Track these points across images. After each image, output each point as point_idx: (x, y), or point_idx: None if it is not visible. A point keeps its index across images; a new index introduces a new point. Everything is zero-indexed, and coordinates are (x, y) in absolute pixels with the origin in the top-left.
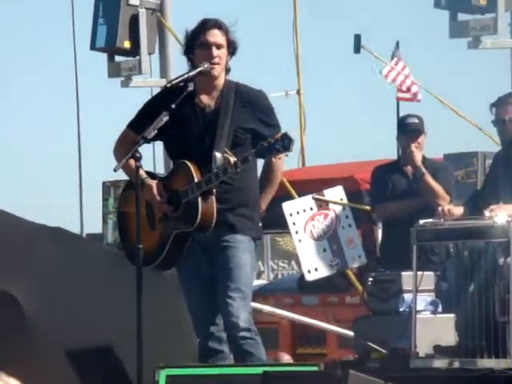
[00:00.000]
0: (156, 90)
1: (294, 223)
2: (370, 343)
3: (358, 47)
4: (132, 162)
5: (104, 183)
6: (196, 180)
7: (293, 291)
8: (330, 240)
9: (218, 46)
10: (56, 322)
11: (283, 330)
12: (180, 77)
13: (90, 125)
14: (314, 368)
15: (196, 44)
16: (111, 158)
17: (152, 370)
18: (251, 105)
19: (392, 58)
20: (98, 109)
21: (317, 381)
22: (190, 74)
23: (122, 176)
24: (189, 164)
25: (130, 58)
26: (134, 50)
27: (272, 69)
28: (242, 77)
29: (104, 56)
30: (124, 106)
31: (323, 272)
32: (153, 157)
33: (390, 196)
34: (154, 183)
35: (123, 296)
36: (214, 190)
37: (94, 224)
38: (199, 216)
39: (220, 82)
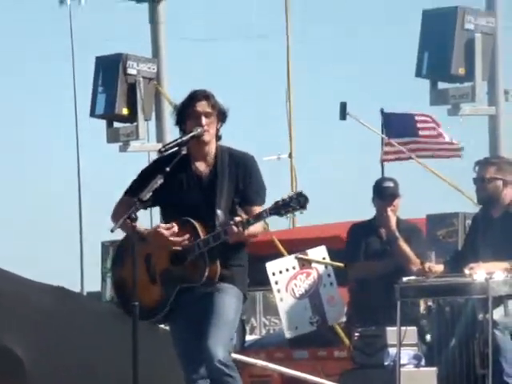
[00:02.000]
0: (153, 154)
1: (276, 282)
2: None
3: (343, 114)
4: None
5: (103, 243)
6: (202, 237)
7: (284, 345)
8: (311, 298)
9: (207, 115)
10: (56, 376)
11: (275, 383)
12: (174, 141)
13: (90, 188)
14: None
15: (186, 114)
16: (109, 220)
17: None
18: (244, 166)
19: (382, 129)
20: (97, 173)
21: None
22: (184, 138)
23: (119, 236)
24: (194, 222)
25: (128, 124)
26: (132, 117)
27: (264, 133)
28: (236, 140)
29: (103, 122)
30: (122, 170)
31: (303, 330)
32: (150, 221)
33: (363, 255)
34: (157, 226)
35: (120, 350)
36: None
37: (93, 282)
38: (206, 272)
39: (212, 148)
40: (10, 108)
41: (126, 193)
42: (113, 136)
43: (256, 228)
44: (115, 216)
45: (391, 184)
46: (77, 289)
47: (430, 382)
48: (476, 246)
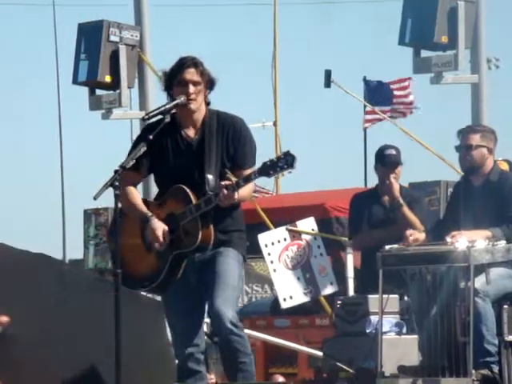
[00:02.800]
0: (136, 122)
1: (269, 253)
2: (338, 363)
3: (328, 82)
4: (132, 193)
5: (85, 211)
6: (194, 202)
7: (266, 314)
8: (303, 269)
9: (195, 83)
10: (37, 342)
11: (257, 350)
12: (157, 109)
13: (73, 155)
14: None
15: (174, 81)
16: (92, 187)
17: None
18: (233, 130)
19: (364, 97)
20: (79, 140)
21: None
22: (167, 106)
23: (101, 204)
24: (185, 188)
25: (111, 92)
26: (115, 84)
27: (250, 101)
28: (220, 107)
29: (85, 90)
30: (104, 137)
31: (298, 300)
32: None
33: (367, 224)
34: (159, 227)
35: (103, 319)
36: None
37: (75, 250)
38: (199, 236)
39: (200, 114)
40: None
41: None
42: (95, 103)
43: (246, 191)
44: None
45: (393, 151)
46: (59, 256)
47: (412, 349)
48: (457, 214)
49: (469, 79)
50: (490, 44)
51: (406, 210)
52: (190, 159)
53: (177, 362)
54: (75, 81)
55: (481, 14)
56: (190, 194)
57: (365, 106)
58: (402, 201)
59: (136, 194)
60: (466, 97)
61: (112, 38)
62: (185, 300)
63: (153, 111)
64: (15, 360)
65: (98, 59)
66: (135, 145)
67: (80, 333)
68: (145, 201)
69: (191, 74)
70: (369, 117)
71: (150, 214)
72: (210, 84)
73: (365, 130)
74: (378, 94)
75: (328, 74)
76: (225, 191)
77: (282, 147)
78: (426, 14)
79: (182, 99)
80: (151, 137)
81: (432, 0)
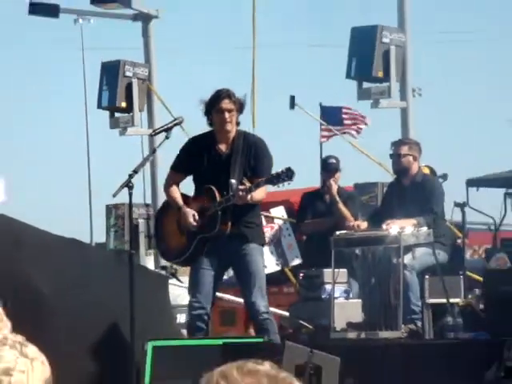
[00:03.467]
0: (145, 137)
1: None
2: (301, 321)
3: (292, 105)
4: (174, 189)
5: (107, 206)
6: (218, 199)
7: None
8: (275, 245)
9: (229, 111)
10: (74, 310)
11: (239, 312)
12: (161, 127)
13: (98, 163)
14: (260, 340)
15: (213, 109)
16: (112, 187)
17: (142, 342)
18: (255, 147)
19: (320, 117)
20: (103, 151)
21: (263, 349)
22: (169, 125)
23: (120, 200)
24: (213, 188)
25: (126, 114)
26: (129, 108)
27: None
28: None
29: (107, 113)
30: (121, 149)
31: (272, 268)
32: (143, 186)
33: (311, 215)
34: (189, 213)
35: (121, 288)
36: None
37: (100, 235)
38: (218, 226)
39: (232, 133)
40: (39, 107)
41: (171, 168)
42: (114, 123)
43: (258, 194)
44: (166, 190)
45: (334, 160)
46: (87, 240)
47: (357, 310)
48: (391, 207)
49: (399, 104)
50: (414, 77)
51: (340, 205)
52: (220, 168)
53: (188, 318)
54: (99, 106)
55: (407, 55)
56: (216, 193)
57: (321, 125)
58: (338, 198)
59: (175, 190)
60: (398, 120)
61: (127, 73)
62: (204, 275)
63: (158, 129)
64: (54, 327)
65: (116, 89)
66: (182, 150)
67: (103, 300)
68: (185, 196)
69: (226, 103)
70: (324, 133)
71: (182, 204)
72: (240, 109)
73: (321, 144)
74: (332, 116)
75: (292, 98)
76: (240, 193)
77: None
78: (367, 55)
79: (180, 119)
80: (156, 148)
81: (371, 44)
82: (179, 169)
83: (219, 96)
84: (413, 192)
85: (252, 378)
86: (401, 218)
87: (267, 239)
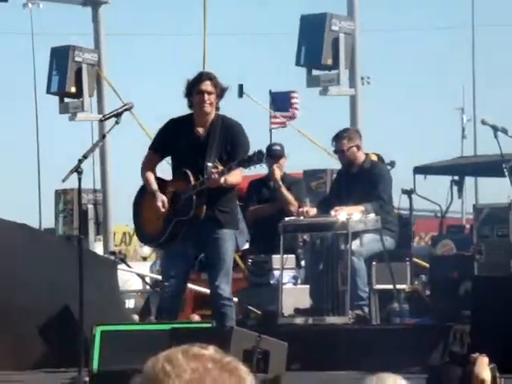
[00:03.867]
0: (95, 123)
1: None
2: (249, 307)
3: (241, 93)
4: (149, 174)
5: (56, 191)
6: (193, 183)
7: (194, 269)
8: None
9: (209, 93)
10: (25, 291)
11: (188, 297)
12: (111, 112)
13: (47, 148)
14: (209, 325)
15: (193, 90)
16: (61, 172)
17: (90, 326)
18: (232, 131)
19: (270, 105)
20: (52, 137)
21: (211, 334)
22: (119, 110)
23: (69, 186)
24: (188, 171)
25: (75, 100)
26: (79, 94)
27: (182, 107)
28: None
29: (56, 98)
30: (71, 134)
31: None
32: (92, 171)
33: (257, 201)
34: (159, 198)
35: (72, 272)
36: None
37: (48, 220)
38: (193, 208)
39: (211, 116)
40: None
41: (149, 148)
42: (64, 108)
43: (233, 178)
44: (141, 169)
45: (278, 147)
46: (36, 226)
47: (305, 296)
48: (339, 194)
49: (348, 92)
50: (363, 65)
51: (283, 189)
52: (197, 151)
53: (159, 300)
54: (48, 91)
55: (356, 43)
56: (191, 176)
57: (270, 112)
58: (280, 183)
59: (150, 174)
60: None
61: (77, 58)
62: (178, 259)
63: (108, 114)
64: (7, 309)
65: (65, 75)
66: (160, 131)
67: (53, 285)
68: (162, 180)
69: (206, 85)
70: (274, 120)
71: (155, 188)
72: (221, 94)
73: (270, 131)
74: (281, 102)
75: (241, 86)
76: (212, 176)
77: None
78: (316, 43)
79: (130, 104)
80: (106, 134)
81: (320, 32)
82: (156, 149)
83: (200, 78)
84: (361, 179)
85: (197, 362)
86: (349, 205)
87: None
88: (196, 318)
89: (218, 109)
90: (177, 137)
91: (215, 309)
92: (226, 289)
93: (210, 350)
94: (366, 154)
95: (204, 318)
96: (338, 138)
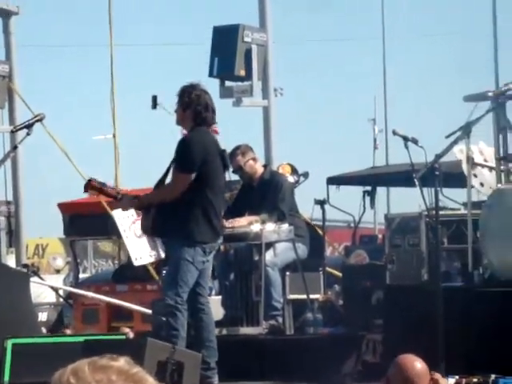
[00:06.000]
0: (6, 134)
1: (121, 225)
2: (163, 318)
3: (154, 104)
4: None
5: None
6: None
7: (109, 282)
8: (148, 238)
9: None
10: None
11: (102, 309)
12: (22, 124)
13: None
14: (123, 337)
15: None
16: None
17: (1, 339)
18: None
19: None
20: None
21: (125, 346)
22: (30, 121)
23: None
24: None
25: None
26: None
27: (94, 116)
28: (68, 122)
29: None
30: None
31: (146, 259)
32: (4, 182)
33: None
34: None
35: None
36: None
37: None
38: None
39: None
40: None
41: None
42: None
43: (148, 194)
44: None
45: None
46: None
47: (218, 307)
48: (241, 206)
49: (261, 103)
50: (276, 76)
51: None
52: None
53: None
54: None
55: (269, 54)
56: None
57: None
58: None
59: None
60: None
61: None
62: None
63: (19, 125)
64: None
65: None
66: None
67: None
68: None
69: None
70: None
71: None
72: (182, 104)
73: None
74: None
75: (154, 98)
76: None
77: (120, 156)
78: (229, 54)
79: (41, 116)
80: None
81: (233, 43)
82: None
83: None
84: (261, 191)
85: (103, 373)
86: (251, 215)
87: (139, 231)
88: (126, 330)
89: (197, 119)
90: None
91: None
92: (167, 297)
93: (120, 362)
94: (265, 166)
95: (119, 330)
96: (232, 156)
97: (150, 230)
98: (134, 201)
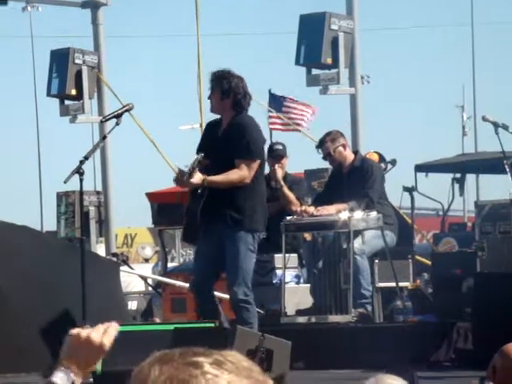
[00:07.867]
0: (95, 125)
1: None
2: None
3: None
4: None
5: (58, 193)
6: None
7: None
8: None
9: (208, 97)
10: (28, 295)
11: (190, 299)
12: (111, 114)
13: (48, 151)
14: (212, 325)
15: None
16: (63, 174)
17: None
18: (237, 130)
19: (269, 105)
20: (53, 139)
21: (214, 334)
22: (119, 111)
23: (70, 188)
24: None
25: (76, 102)
26: (79, 96)
27: (180, 107)
28: (156, 112)
29: (57, 100)
30: (72, 137)
31: None
32: (93, 173)
33: None
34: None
35: (74, 273)
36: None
37: (50, 223)
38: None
39: (227, 116)
40: None
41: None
42: (64, 111)
43: (217, 178)
44: None
45: (280, 147)
46: (38, 229)
47: (306, 295)
48: (331, 192)
49: (347, 91)
50: (362, 64)
51: (285, 190)
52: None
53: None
54: (49, 93)
55: (356, 42)
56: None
57: (269, 111)
58: (282, 183)
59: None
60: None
61: (76, 61)
62: (205, 255)
63: (107, 115)
64: (8, 312)
65: (65, 77)
66: (202, 137)
67: (56, 287)
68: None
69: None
70: (273, 120)
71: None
72: (221, 88)
73: (270, 131)
74: (276, 104)
75: None
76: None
77: None
78: (316, 42)
79: (129, 106)
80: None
81: (319, 31)
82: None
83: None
84: (351, 177)
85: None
86: (340, 203)
87: None
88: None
89: (234, 106)
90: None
91: (233, 308)
92: (239, 291)
93: (208, 358)
94: (355, 152)
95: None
96: (321, 143)
97: (200, 213)
98: (201, 182)
